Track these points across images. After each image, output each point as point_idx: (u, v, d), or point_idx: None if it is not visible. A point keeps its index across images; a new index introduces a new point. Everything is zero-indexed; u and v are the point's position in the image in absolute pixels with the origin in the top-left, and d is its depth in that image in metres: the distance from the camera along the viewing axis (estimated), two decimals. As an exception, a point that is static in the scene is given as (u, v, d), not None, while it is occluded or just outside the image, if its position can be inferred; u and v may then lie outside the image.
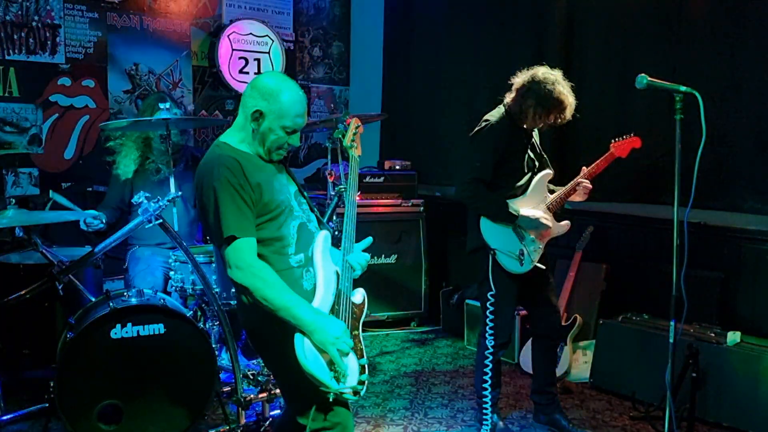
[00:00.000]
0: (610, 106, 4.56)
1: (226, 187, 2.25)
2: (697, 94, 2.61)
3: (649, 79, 2.70)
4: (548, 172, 3.41)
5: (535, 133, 3.43)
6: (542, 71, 3.22)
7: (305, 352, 2.20)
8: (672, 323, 2.70)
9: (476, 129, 3.33)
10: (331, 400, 2.24)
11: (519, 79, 3.27)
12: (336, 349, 2.22)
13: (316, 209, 2.57)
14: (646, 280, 4.20)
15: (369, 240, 2.52)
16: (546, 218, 3.31)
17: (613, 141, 3.40)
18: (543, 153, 3.46)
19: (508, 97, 3.31)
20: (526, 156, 3.34)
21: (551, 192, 3.42)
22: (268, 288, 2.22)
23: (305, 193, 2.53)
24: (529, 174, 3.36)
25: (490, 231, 3.27)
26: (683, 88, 2.66)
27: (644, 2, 4.39)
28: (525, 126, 3.29)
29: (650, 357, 3.74)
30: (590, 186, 3.36)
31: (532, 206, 3.32)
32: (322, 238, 2.43)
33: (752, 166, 3.93)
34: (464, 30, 5.54)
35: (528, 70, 3.26)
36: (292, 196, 2.43)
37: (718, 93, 3.97)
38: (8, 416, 3.32)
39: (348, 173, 2.57)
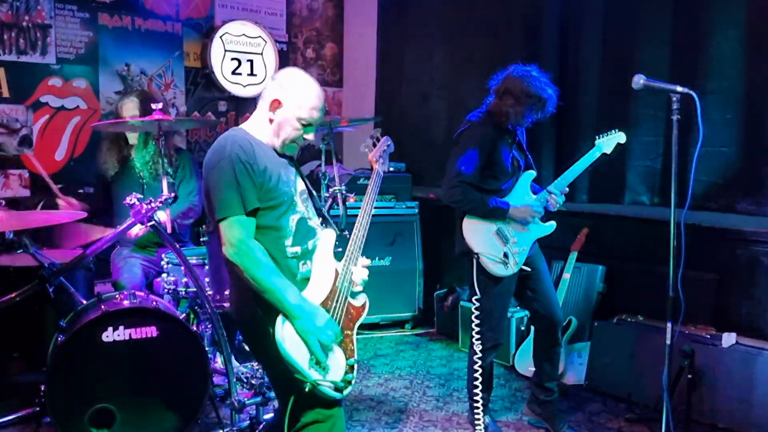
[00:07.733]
0: (606, 106, 4.55)
1: (234, 164, 2.26)
2: (694, 95, 2.60)
3: (646, 79, 2.69)
4: (532, 173, 3.42)
5: (521, 133, 3.43)
6: (516, 69, 3.27)
7: (284, 336, 2.21)
8: (669, 324, 2.69)
9: (460, 130, 3.35)
10: (306, 390, 2.22)
11: (495, 80, 3.33)
12: (316, 339, 2.23)
13: (324, 211, 2.59)
14: (642, 281, 4.19)
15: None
16: (537, 206, 3.32)
17: (597, 137, 3.42)
18: (528, 153, 3.46)
19: (489, 99, 3.34)
20: (511, 156, 3.34)
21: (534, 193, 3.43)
22: (257, 268, 2.23)
23: (314, 194, 2.55)
24: (514, 174, 3.37)
25: (473, 235, 3.24)
26: (680, 89, 2.65)
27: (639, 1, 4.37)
28: (510, 126, 3.30)
29: (646, 358, 3.73)
30: (557, 200, 3.35)
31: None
32: (327, 234, 2.45)
33: (747, 167, 3.92)
34: (457, 30, 5.52)
35: (504, 70, 3.31)
36: (297, 193, 2.44)
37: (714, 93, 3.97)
38: (-2, 421, 3.28)
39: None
